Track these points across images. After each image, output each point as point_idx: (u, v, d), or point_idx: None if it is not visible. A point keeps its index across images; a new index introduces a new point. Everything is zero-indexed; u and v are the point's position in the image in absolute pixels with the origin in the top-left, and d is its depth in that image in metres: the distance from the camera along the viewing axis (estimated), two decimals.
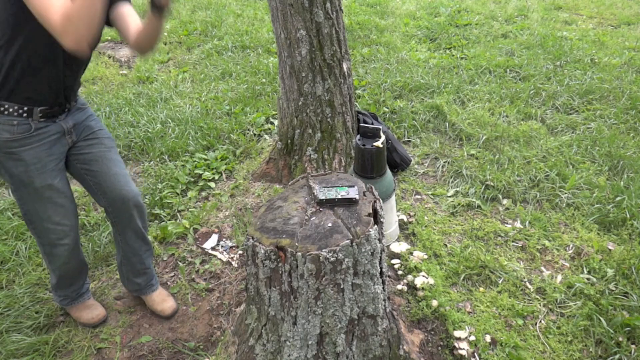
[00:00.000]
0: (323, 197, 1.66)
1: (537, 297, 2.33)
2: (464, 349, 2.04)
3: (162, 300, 2.33)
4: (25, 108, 1.71)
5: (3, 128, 1.70)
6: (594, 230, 2.71)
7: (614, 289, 2.32)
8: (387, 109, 3.93)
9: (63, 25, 1.49)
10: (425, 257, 2.54)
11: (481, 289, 2.38)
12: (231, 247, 2.74)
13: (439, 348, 2.10)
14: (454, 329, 2.13)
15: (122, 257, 2.22)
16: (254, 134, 3.80)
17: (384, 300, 1.74)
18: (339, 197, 1.66)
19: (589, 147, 3.39)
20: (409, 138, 3.66)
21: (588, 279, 2.40)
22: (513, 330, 2.17)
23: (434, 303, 2.24)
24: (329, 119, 3.02)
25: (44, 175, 1.81)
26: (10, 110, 1.70)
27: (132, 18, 1.91)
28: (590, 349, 2.07)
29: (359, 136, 2.45)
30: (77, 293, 2.24)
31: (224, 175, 3.39)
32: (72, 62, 1.79)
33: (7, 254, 2.66)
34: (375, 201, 1.67)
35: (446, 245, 2.64)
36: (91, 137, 1.97)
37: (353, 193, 1.67)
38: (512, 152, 3.36)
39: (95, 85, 4.76)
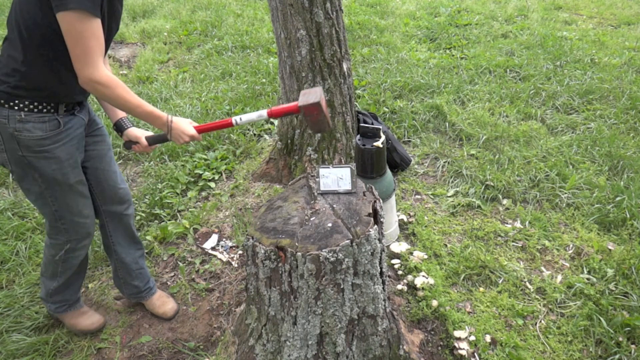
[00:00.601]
0: (324, 189, 1.66)
1: (537, 297, 2.33)
2: (464, 349, 2.04)
3: (162, 303, 2.33)
4: (52, 104, 1.73)
5: (35, 126, 1.70)
6: (594, 230, 2.71)
7: (614, 289, 2.32)
8: (387, 109, 3.93)
9: (103, 89, 1.61)
10: (425, 257, 2.54)
11: (481, 289, 2.38)
12: (231, 247, 2.74)
13: (439, 348, 2.09)
14: (454, 329, 2.13)
15: (116, 260, 2.21)
16: (254, 134, 3.81)
17: (384, 300, 1.74)
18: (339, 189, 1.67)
19: (589, 147, 3.39)
20: (409, 138, 3.66)
21: (588, 279, 2.40)
22: (513, 330, 2.17)
23: (434, 303, 2.24)
24: None
25: (76, 170, 1.84)
26: (40, 107, 1.70)
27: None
28: (590, 349, 2.07)
29: (359, 136, 2.45)
30: (75, 296, 2.20)
31: (224, 175, 3.39)
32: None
33: (7, 254, 2.66)
34: (375, 201, 1.67)
35: (446, 245, 2.64)
36: (97, 133, 1.99)
37: (347, 179, 1.67)
38: (512, 152, 3.36)
39: None
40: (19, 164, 1.75)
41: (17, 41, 1.64)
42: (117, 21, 1.80)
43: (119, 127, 1.99)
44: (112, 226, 2.14)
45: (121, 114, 2.00)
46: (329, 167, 1.72)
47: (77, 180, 1.86)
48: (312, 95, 1.70)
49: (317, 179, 1.75)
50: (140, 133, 1.96)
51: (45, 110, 1.72)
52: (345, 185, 1.71)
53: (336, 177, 1.71)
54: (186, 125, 1.81)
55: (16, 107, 1.67)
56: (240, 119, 1.78)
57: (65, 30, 1.53)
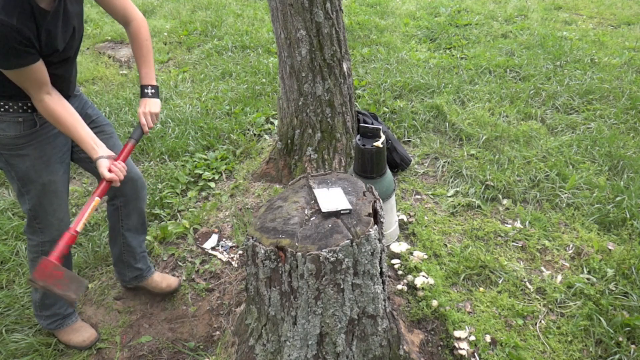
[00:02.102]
0: (326, 211, 1.64)
1: (537, 297, 2.33)
2: (464, 349, 2.04)
3: (163, 278, 2.40)
4: (29, 104, 1.75)
5: (9, 126, 1.74)
6: (594, 230, 2.71)
7: (614, 289, 2.32)
8: (387, 109, 3.93)
9: (46, 115, 1.71)
10: (425, 257, 2.54)
11: (481, 289, 2.38)
12: (231, 247, 2.74)
13: (439, 348, 2.10)
14: (454, 329, 2.13)
15: (123, 244, 2.25)
16: (254, 134, 3.80)
17: (384, 300, 1.74)
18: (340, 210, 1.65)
19: (589, 147, 3.39)
20: (409, 138, 3.66)
21: (588, 279, 2.40)
22: (513, 330, 2.17)
23: (434, 303, 2.24)
24: (329, 119, 3.02)
25: (49, 168, 1.85)
26: (15, 107, 1.73)
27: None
28: (590, 349, 2.07)
29: (359, 136, 2.45)
30: (65, 310, 2.16)
31: (224, 175, 3.39)
32: (67, 59, 1.83)
33: (7, 254, 2.66)
34: (375, 201, 1.67)
35: (446, 245, 2.64)
36: (91, 125, 1.97)
37: (343, 201, 1.66)
38: (512, 152, 3.36)
39: (95, 86, 4.76)
40: (0, 160, 1.82)
41: None
42: (64, 38, 1.77)
43: (141, 93, 2.01)
44: (125, 211, 2.17)
45: (146, 80, 2.00)
46: (322, 189, 1.73)
47: (51, 180, 1.87)
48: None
49: (316, 199, 1.73)
50: (147, 106, 1.99)
51: (21, 110, 1.75)
52: (344, 204, 1.67)
53: (333, 198, 1.69)
54: (105, 169, 1.79)
55: None
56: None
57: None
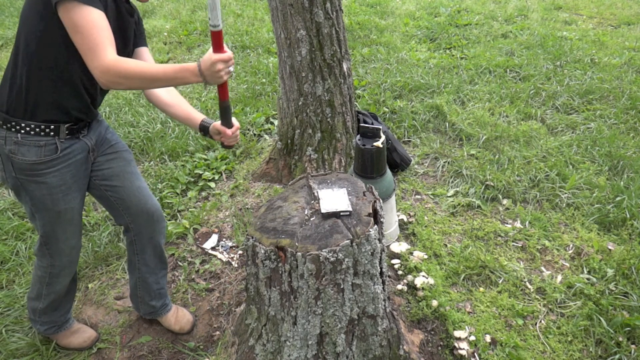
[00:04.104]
0: (325, 212, 1.63)
1: (537, 297, 2.33)
2: (464, 349, 2.04)
3: (176, 319, 2.24)
4: (52, 126, 1.64)
5: (29, 150, 1.63)
6: (594, 230, 2.71)
7: (614, 289, 2.32)
8: (387, 109, 3.93)
9: (115, 72, 1.45)
10: (425, 257, 2.54)
11: (481, 289, 2.38)
12: (231, 247, 2.74)
13: (439, 348, 2.10)
14: (454, 329, 2.13)
15: (138, 278, 2.13)
16: (254, 134, 3.80)
17: (384, 300, 1.74)
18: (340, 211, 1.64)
19: (589, 147, 3.39)
20: (409, 138, 3.66)
21: (588, 279, 2.40)
22: (513, 330, 2.17)
23: (434, 303, 2.24)
24: (329, 119, 3.02)
25: (67, 197, 1.75)
26: (37, 130, 1.62)
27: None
28: (590, 349, 2.07)
29: (359, 136, 2.45)
30: (64, 317, 2.12)
31: (224, 175, 3.39)
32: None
33: (7, 254, 2.66)
34: (375, 201, 1.67)
35: (446, 245, 2.64)
36: (110, 151, 1.90)
37: (345, 202, 1.65)
38: (512, 152, 3.36)
39: None
40: (13, 184, 1.72)
41: (19, 55, 1.57)
42: (125, 35, 1.70)
43: (204, 129, 1.84)
44: (140, 245, 2.04)
45: (199, 117, 1.85)
46: (326, 190, 1.72)
47: (67, 208, 1.76)
48: None
49: (319, 199, 1.72)
50: (219, 124, 1.81)
51: (43, 133, 1.63)
52: (344, 206, 1.67)
53: (334, 199, 1.68)
54: (210, 57, 1.49)
55: (13, 129, 1.61)
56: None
57: (67, 26, 1.45)
